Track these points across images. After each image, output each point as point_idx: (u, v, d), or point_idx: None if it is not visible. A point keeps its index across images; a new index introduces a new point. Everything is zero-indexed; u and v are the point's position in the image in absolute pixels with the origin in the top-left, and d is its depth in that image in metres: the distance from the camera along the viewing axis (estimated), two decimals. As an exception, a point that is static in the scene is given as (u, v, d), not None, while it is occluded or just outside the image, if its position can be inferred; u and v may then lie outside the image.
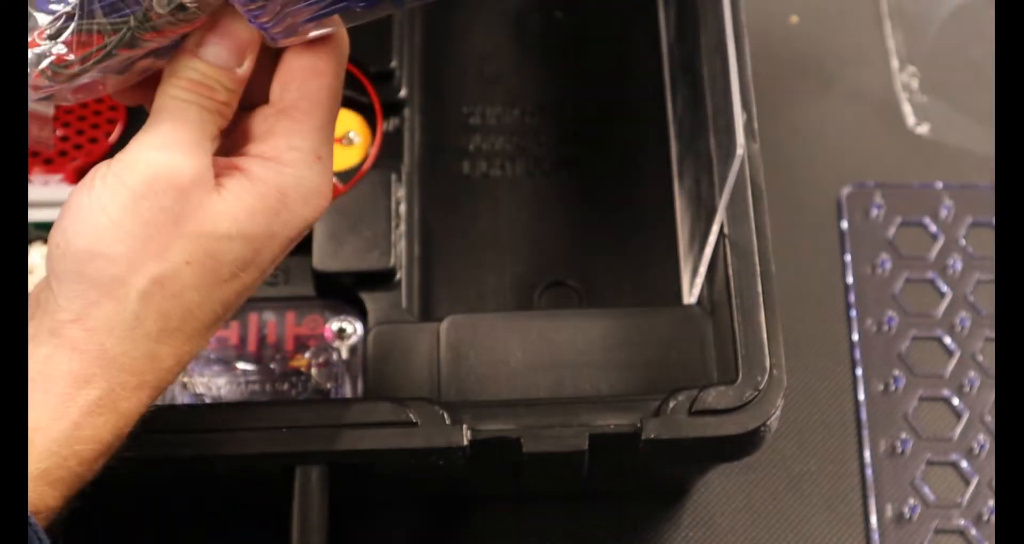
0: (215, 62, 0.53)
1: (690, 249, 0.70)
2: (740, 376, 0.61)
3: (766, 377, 0.61)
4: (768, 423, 0.60)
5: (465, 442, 0.60)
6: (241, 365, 0.71)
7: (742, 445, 0.61)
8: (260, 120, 0.55)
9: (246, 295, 0.54)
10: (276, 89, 0.54)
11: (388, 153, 0.75)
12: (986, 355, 0.80)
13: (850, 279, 0.82)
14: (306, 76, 0.54)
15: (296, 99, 0.54)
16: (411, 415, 0.60)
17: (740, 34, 0.66)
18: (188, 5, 0.51)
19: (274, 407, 0.62)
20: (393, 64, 0.76)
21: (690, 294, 0.69)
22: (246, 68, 0.54)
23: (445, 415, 0.60)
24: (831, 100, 0.89)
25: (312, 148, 0.54)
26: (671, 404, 0.60)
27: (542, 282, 0.75)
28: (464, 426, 0.60)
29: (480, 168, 0.78)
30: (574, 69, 0.81)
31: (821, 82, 0.90)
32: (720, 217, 0.63)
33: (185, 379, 0.70)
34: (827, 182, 0.86)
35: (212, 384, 0.70)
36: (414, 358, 0.68)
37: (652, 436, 0.60)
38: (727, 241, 0.64)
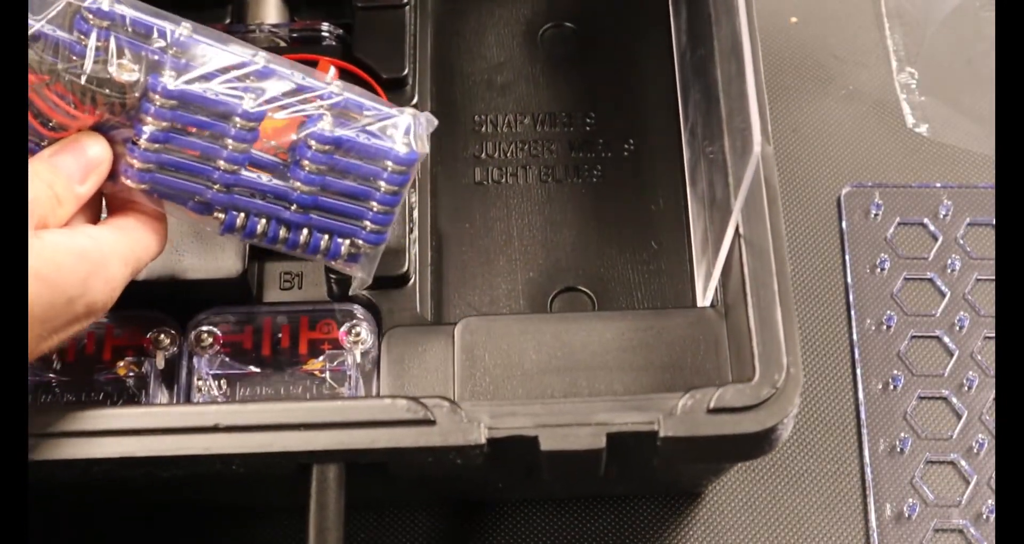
0: (62, 170, 0.59)
1: (703, 252, 0.70)
2: (757, 374, 0.61)
3: (783, 375, 0.60)
4: (786, 421, 0.60)
5: (483, 440, 0.59)
6: (255, 369, 0.70)
7: (760, 443, 0.61)
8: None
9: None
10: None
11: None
12: (985, 354, 0.80)
13: (849, 279, 0.83)
14: (138, 224, 0.63)
15: (125, 226, 0.62)
16: (429, 413, 0.60)
17: (754, 37, 0.66)
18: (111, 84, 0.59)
19: (290, 405, 0.61)
20: (405, 71, 0.76)
21: (704, 297, 0.69)
22: (87, 188, 0.60)
23: (463, 413, 0.60)
24: (830, 100, 0.90)
25: (122, 253, 0.60)
26: (689, 402, 0.60)
27: (555, 288, 0.75)
28: (482, 424, 0.60)
29: (492, 176, 0.78)
30: (585, 78, 0.82)
31: (820, 82, 0.91)
32: (736, 216, 0.63)
33: (199, 383, 0.70)
34: (826, 182, 0.86)
35: (226, 388, 0.70)
36: (428, 361, 0.68)
37: (670, 434, 0.60)
38: (742, 241, 0.64)
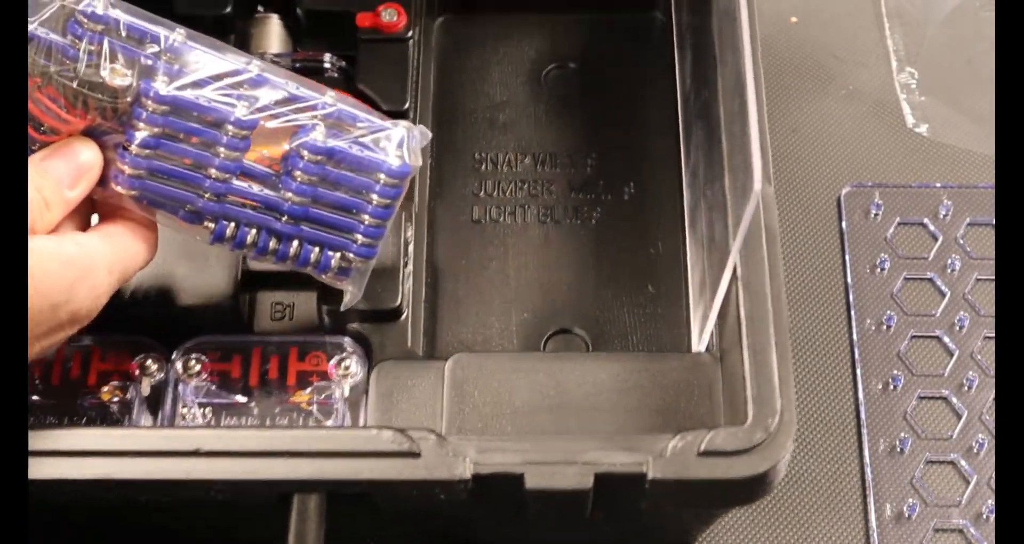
0: (52, 174, 0.59)
1: (700, 296, 0.69)
2: (751, 418, 0.59)
3: (777, 419, 0.59)
4: (778, 466, 0.59)
5: (468, 475, 0.58)
6: (241, 399, 0.69)
7: (752, 488, 0.59)
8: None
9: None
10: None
11: (400, 193, 0.75)
12: (985, 354, 0.80)
13: (849, 279, 0.83)
14: (126, 231, 0.62)
15: (111, 233, 0.61)
16: (414, 445, 0.59)
17: (758, 75, 0.65)
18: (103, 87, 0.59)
19: (274, 432, 0.60)
20: (407, 105, 0.76)
21: (700, 340, 0.68)
22: (77, 193, 0.60)
23: (449, 447, 0.59)
24: (830, 100, 0.90)
25: (108, 260, 0.60)
26: (679, 444, 0.59)
27: (549, 329, 0.74)
28: (467, 459, 0.58)
29: (491, 214, 0.78)
30: (586, 119, 0.81)
31: (820, 82, 0.91)
32: (734, 258, 0.62)
33: (183, 410, 0.69)
34: (826, 182, 0.87)
35: (211, 417, 0.69)
36: (417, 395, 0.67)
37: (659, 476, 0.58)
38: (740, 283, 0.63)
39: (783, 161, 0.87)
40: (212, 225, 0.62)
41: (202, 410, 0.69)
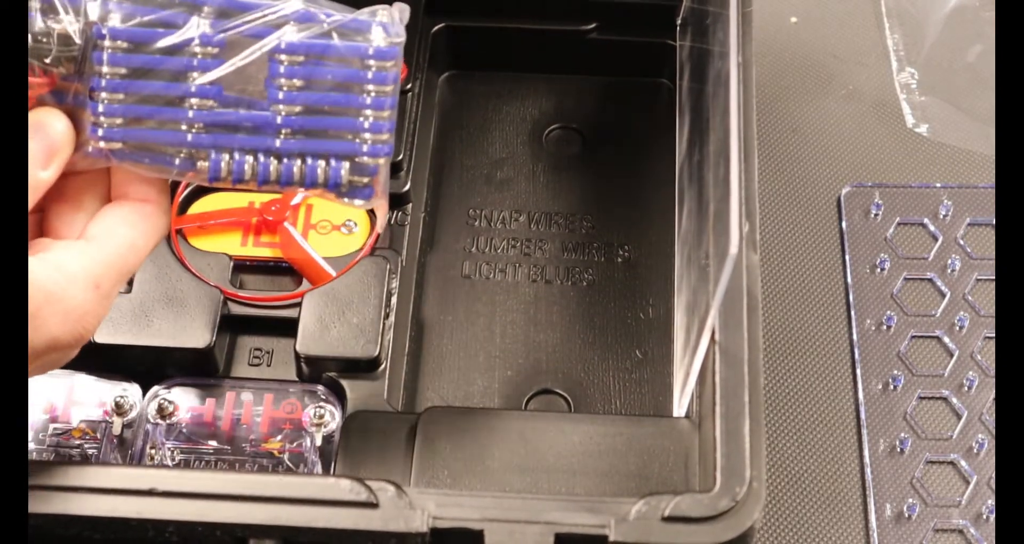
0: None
1: (682, 360, 0.68)
2: (718, 485, 0.58)
3: (745, 488, 0.58)
4: (744, 536, 0.58)
5: (425, 529, 0.57)
6: (212, 443, 0.69)
7: (715, 557, 0.58)
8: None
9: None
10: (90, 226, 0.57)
11: (387, 245, 0.75)
12: (985, 354, 0.79)
13: (849, 279, 0.82)
14: (117, 223, 0.56)
15: (97, 233, 0.56)
16: (372, 495, 0.57)
17: (750, 139, 0.65)
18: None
19: (230, 475, 0.59)
20: (400, 157, 0.76)
21: (679, 405, 0.67)
22: (51, 173, 0.54)
23: (408, 499, 0.58)
24: (830, 100, 0.90)
25: (89, 274, 0.54)
26: (644, 508, 0.58)
27: (532, 389, 0.74)
28: (426, 512, 0.57)
29: (481, 270, 0.77)
30: (585, 180, 0.81)
31: (820, 82, 0.91)
32: (711, 321, 0.61)
33: (151, 451, 0.68)
34: (826, 182, 0.86)
35: (180, 459, 0.68)
36: (388, 448, 0.66)
37: (621, 539, 0.57)
38: (717, 348, 0.62)
39: (783, 161, 0.87)
40: (206, 163, 0.57)
41: (172, 452, 0.68)
